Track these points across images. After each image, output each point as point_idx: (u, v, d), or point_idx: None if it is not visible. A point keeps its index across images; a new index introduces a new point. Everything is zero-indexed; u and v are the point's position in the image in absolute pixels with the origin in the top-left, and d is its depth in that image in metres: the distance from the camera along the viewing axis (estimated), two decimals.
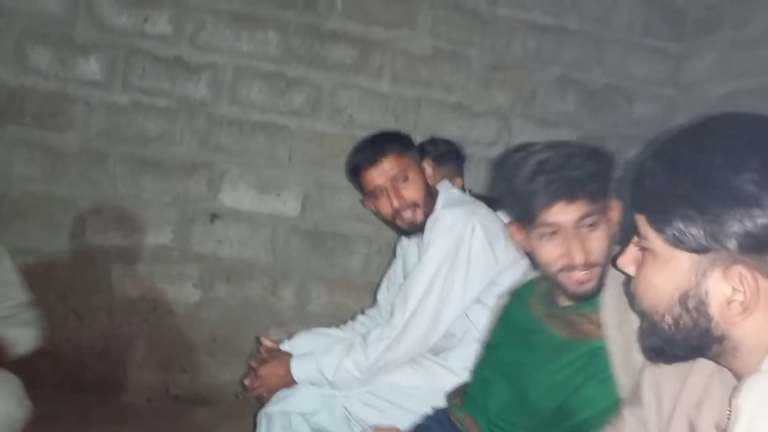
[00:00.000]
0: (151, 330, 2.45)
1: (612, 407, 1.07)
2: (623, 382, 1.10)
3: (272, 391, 1.66)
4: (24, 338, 1.64)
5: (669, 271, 0.75)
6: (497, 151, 2.68)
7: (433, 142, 2.21)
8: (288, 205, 2.53)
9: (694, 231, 0.72)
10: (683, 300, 0.75)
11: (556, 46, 2.67)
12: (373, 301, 2.10)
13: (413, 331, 1.58)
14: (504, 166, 1.26)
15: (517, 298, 1.40)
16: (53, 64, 2.34)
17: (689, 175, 0.73)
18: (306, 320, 2.43)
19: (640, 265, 0.81)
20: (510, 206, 1.25)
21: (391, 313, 1.63)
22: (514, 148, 1.32)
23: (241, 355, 2.53)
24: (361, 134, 2.54)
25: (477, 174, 2.60)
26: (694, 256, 0.73)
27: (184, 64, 2.42)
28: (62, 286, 2.41)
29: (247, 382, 1.70)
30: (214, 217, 2.48)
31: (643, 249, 0.80)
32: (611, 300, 1.18)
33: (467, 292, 1.59)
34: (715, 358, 0.79)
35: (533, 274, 1.40)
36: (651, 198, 0.77)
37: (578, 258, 1.16)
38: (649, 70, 2.75)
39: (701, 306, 0.74)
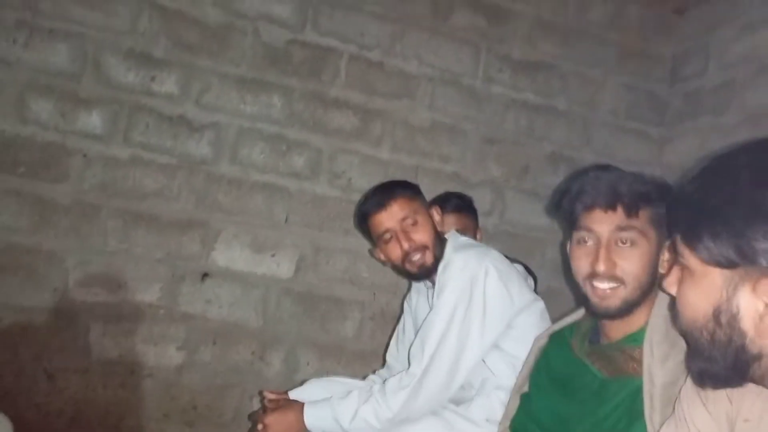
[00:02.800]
0: (126, 395, 2.08)
1: None
2: (655, 419, 0.98)
3: None
4: None
5: (703, 287, 0.73)
6: (492, 221, 2.47)
7: (448, 196, 1.97)
8: (282, 267, 2.24)
9: (722, 247, 0.69)
10: (717, 315, 0.72)
11: (546, 125, 2.57)
12: (367, 367, 1.83)
13: (434, 377, 1.39)
14: (567, 180, 1.17)
15: (558, 339, 1.26)
16: (54, 116, 2.13)
17: (717, 193, 0.71)
18: (294, 388, 2.04)
19: (680, 284, 0.79)
20: (558, 213, 1.18)
21: (409, 362, 1.45)
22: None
23: (221, 426, 2.15)
24: (359, 198, 2.30)
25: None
26: (726, 271, 0.71)
27: (187, 123, 2.21)
28: (37, 344, 2.08)
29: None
30: (205, 276, 2.17)
31: (683, 268, 0.77)
32: (656, 335, 1.06)
33: (485, 333, 1.42)
34: (761, 381, 0.74)
35: (573, 318, 1.26)
36: (683, 217, 0.76)
37: (602, 266, 1.06)
38: (633, 152, 2.64)
39: (733, 321, 0.71)
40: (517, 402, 1.30)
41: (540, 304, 1.50)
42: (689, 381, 0.88)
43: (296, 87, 2.36)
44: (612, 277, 1.07)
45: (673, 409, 0.95)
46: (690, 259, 0.75)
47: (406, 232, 1.51)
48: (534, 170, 2.58)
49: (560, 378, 1.20)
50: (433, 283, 1.55)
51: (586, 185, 1.09)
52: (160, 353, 2.16)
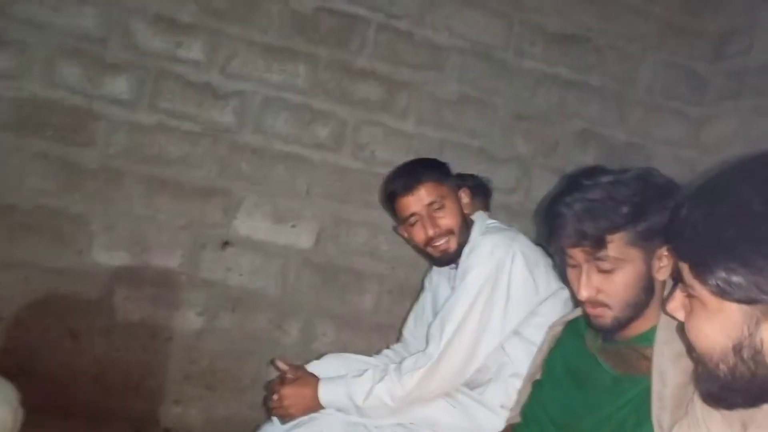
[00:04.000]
0: (148, 357, 2.08)
1: None
2: (665, 420, 0.94)
3: (294, 415, 1.42)
4: None
5: (719, 321, 0.68)
6: (516, 198, 2.39)
7: (461, 176, 1.89)
8: (302, 238, 2.21)
9: (738, 282, 0.65)
10: (737, 350, 0.68)
11: (579, 101, 2.45)
12: (384, 340, 1.80)
13: (450, 360, 1.36)
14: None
15: (573, 329, 1.22)
16: (81, 81, 2.10)
17: (729, 225, 0.66)
18: (311, 358, 2.03)
19: (689, 312, 0.74)
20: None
21: (427, 342, 1.41)
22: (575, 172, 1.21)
23: (239, 390, 2.15)
24: (382, 171, 2.27)
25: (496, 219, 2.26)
26: (744, 306, 0.66)
27: (212, 90, 2.17)
28: (62, 305, 2.08)
29: (269, 403, 1.46)
30: (226, 244, 2.15)
31: (690, 296, 0.73)
32: (666, 333, 1.01)
33: (506, 321, 1.38)
34: None
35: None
36: (692, 247, 0.70)
37: (583, 293, 1.05)
38: (669, 131, 2.50)
39: (758, 356, 0.67)
40: (529, 389, 1.27)
41: (565, 293, 1.44)
42: None
43: (322, 56, 2.29)
44: (595, 302, 1.06)
45: (686, 410, 0.91)
46: (701, 291, 0.69)
47: (432, 218, 1.47)
48: (563, 148, 2.48)
49: (574, 368, 1.16)
50: (457, 265, 1.50)
51: (554, 225, 1.06)
52: (181, 318, 2.17)
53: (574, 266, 1.08)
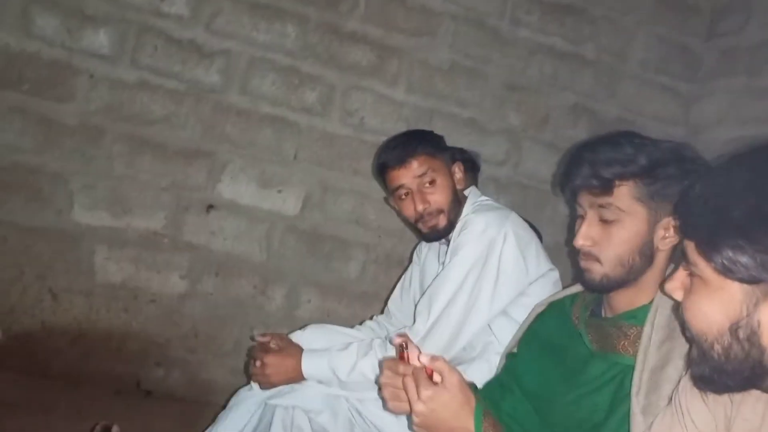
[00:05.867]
0: (129, 319, 2.03)
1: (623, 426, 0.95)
2: (638, 397, 0.94)
3: (275, 383, 1.39)
4: None
5: (719, 299, 0.68)
6: (505, 171, 2.33)
7: (453, 148, 1.83)
8: (288, 204, 2.15)
9: (744, 261, 0.64)
10: (734, 330, 0.67)
11: (572, 74, 2.38)
12: (368, 309, 1.76)
13: (436, 338, 1.34)
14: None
15: (558, 308, 1.19)
16: (60, 32, 1.98)
17: (740, 204, 0.65)
18: (294, 324, 2.03)
19: (689, 291, 0.73)
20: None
21: (414, 318, 1.39)
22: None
23: (221, 354, 2.12)
24: (371, 139, 2.19)
25: (484, 192, 2.21)
26: (746, 286, 0.66)
27: (197, 48, 2.07)
28: (41, 264, 2.01)
29: (251, 369, 1.43)
30: (210, 207, 2.08)
31: (692, 275, 0.72)
32: (662, 318, 0.99)
33: (495, 301, 1.35)
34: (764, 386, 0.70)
35: (577, 288, 1.18)
36: (700, 225, 0.69)
37: (578, 241, 1.04)
38: (660, 108, 2.45)
39: (753, 337, 0.66)
40: (503, 362, 1.25)
41: (555, 274, 1.43)
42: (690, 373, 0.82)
43: (312, 17, 2.19)
44: (588, 254, 1.03)
45: (669, 399, 0.89)
46: (705, 269, 0.69)
47: (422, 193, 1.42)
48: (554, 121, 2.43)
49: (552, 344, 1.14)
50: (447, 241, 1.47)
51: (571, 164, 1.05)
52: (163, 281, 2.11)
53: (580, 216, 1.06)
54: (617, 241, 1.01)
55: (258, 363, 1.43)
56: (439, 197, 1.43)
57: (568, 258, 1.39)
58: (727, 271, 0.66)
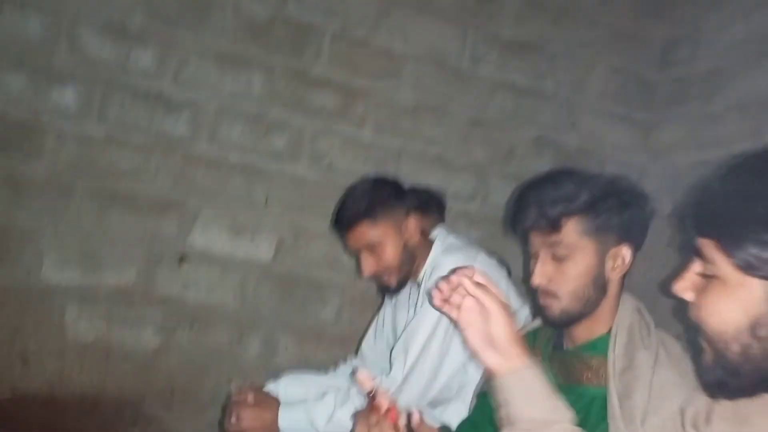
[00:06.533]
0: (102, 378, 1.97)
1: None
2: (618, 428, 0.95)
3: None
4: None
5: (739, 297, 0.66)
6: (474, 205, 2.36)
7: (415, 190, 1.84)
8: (261, 250, 2.15)
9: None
10: (754, 328, 0.65)
11: (533, 108, 2.45)
12: (346, 352, 1.87)
13: (413, 384, 1.36)
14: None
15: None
16: (27, 91, 1.97)
17: (762, 198, 0.64)
18: (272, 372, 1.97)
19: (703, 291, 0.71)
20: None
21: (390, 365, 1.41)
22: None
23: (199, 409, 2.08)
24: (341, 181, 2.21)
25: (454, 228, 2.24)
26: (767, 283, 0.64)
27: (164, 101, 2.08)
28: (11, 326, 1.94)
29: (226, 425, 1.43)
30: (182, 259, 2.05)
31: (706, 276, 0.70)
32: (620, 348, 1.02)
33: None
34: None
35: (538, 323, 1.22)
36: (721, 222, 0.67)
37: (535, 280, 1.07)
38: (619, 137, 2.52)
39: None
40: (474, 402, 1.26)
41: (525, 311, 1.46)
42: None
43: (277, 64, 2.22)
44: (546, 292, 1.07)
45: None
46: (724, 267, 0.67)
47: (369, 257, 1.48)
48: (519, 154, 2.48)
49: None
50: (418, 283, 1.50)
51: (519, 207, 1.10)
52: (136, 336, 2.07)
53: (533, 256, 1.10)
54: (571, 276, 1.05)
55: (234, 418, 1.41)
56: (385, 259, 1.47)
57: (527, 296, 1.41)
58: (749, 268, 0.65)
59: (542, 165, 2.47)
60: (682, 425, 0.84)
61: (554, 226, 1.04)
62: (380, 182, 1.59)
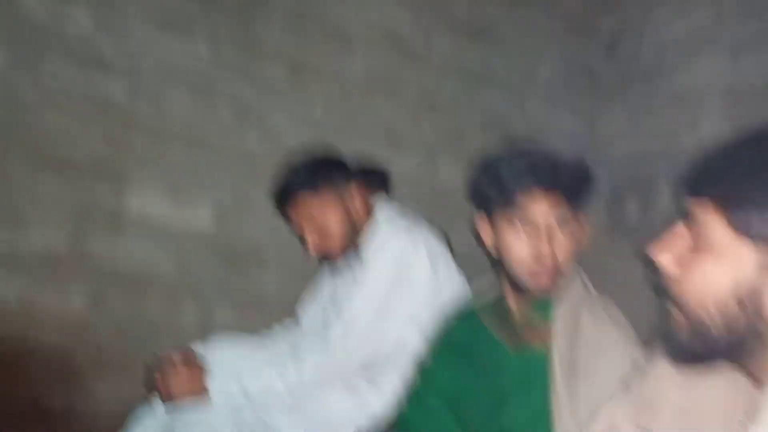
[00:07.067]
0: (29, 346, 1.88)
1: (542, 420, 0.98)
2: (559, 385, 0.98)
3: (177, 396, 1.39)
4: None
5: (727, 263, 0.63)
6: (423, 186, 2.35)
7: (358, 164, 1.84)
8: (200, 218, 2.08)
9: (766, 218, 0.61)
10: (738, 296, 0.63)
11: (483, 92, 2.41)
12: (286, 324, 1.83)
13: (347, 350, 1.37)
14: (486, 159, 1.16)
15: (468, 316, 1.24)
16: None
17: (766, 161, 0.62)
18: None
19: (682, 257, 0.68)
20: (483, 191, 1.11)
21: (325, 330, 1.41)
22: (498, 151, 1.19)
23: (134, 379, 1.99)
24: (287, 154, 2.16)
25: (401, 206, 2.24)
26: (760, 248, 0.62)
27: (102, 64, 1.97)
28: None
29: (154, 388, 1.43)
30: (116, 224, 1.98)
31: (692, 240, 0.67)
32: (566, 312, 1.06)
33: (405, 311, 1.38)
34: (740, 358, 0.66)
35: (484, 295, 1.24)
36: (723, 181, 0.65)
37: (547, 261, 1.05)
38: (566, 124, 2.58)
39: (759, 306, 0.62)
40: (416, 375, 1.27)
41: (465, 284, 1.47)
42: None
43: (224, 33, 2.16)
44: (553, 268, 1.08)
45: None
46: (717, 228, 0.64)
47: (310, 229, 1.47)
48: (468, 137, 2.49)
49: (466, 350, 1.17)
50: (358, 254, 1.50)
51: (522, 169, 1.08)
52: (65, 303, 2.00)
53: (526, 228, 1.06)
54: (571, 251, 1.11)
55: (161, 381, 1.39)
56: (328, 230, 1.46)
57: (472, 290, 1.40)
58: (746, 229, 0.62)
59: (489, 148, 2.49)
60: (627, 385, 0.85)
61: (572, 202, 1.14)
62: (320, 156, 1.59)
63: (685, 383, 0.75)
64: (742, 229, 0.62)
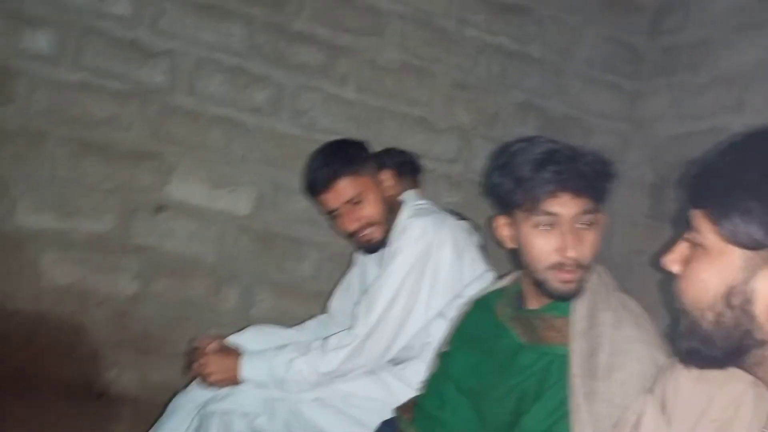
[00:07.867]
0: (78, 322, 1.95)
1: (558, 419, 0.97)
2: (578, 384, 0.96)
3: (212, 383, 1.40)
4: None
5: (719, 265, 0.67)
6: (457, 168, 2.34)
7: (389, 152, 1.84)
8: (240, 204, 2.12)
9: (752, 225, 0.64)
10: (728, 296, 0.66)
11: (519, 72, 2.40)
12: (324, 308, 1.81)
13: (375, 342, 1.36)
14: (504, 154, 1.07)
15: (482, 304, 1.22)
16: None
17: (754, 170, 0.65)
18: (248, 325, 1.97)
19: (687, 261, 0.72)
20: (505, 194, 1.05)
21: (353, 321, 1.40)
22: (515, 140, 1.09)
23: (175, 356, 2.06)
24: (322, 138, 2.17)
25: (436, 190, 2.24)
26: (747, 252, 0.65)
27: (140, 49, 1.99)
28: None
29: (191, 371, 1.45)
30: (159, 209, 2.03)
31: (693, 246, 0.71)
32: (583, 309, 1.03)
33: (432, 304, 1.38)
34: (752, 368, 0.69)
35: (500, 284, 1.23)
36: (712, 191, 0.68)
37: (572, 253, 1.00)
38: (605, 105, 2.48)
39: (746, 305, 0.66)
40: (436, 362, 1.28)
41: (490, 275, 1.44)
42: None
43: (258, 16, 2.15)
44: (578, 263, 1.03)
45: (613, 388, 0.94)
46: (708, 235, 0.68)
47: (351, 212, 1.43)
48: (503, 118, 2.44)
49: (480, 340, 1.16)
50: (385, 246, 1.48)
51: (546, 171, 1.00)
52: (113, 283, 2.06)
53: (549, 226, 1.02)
54: (595, 247, 1.06)
55: (197, 365, 1.42)
56: (368, 212, 1.44)
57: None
58: (732, 235, 0.65)
59: (526, 130, 2.44)
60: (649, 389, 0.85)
61: (596, 198, 1.07)
62: (348, 141, 1.57)
63: (705, 389, 0.77)
64: (729, 236, 0.66)
